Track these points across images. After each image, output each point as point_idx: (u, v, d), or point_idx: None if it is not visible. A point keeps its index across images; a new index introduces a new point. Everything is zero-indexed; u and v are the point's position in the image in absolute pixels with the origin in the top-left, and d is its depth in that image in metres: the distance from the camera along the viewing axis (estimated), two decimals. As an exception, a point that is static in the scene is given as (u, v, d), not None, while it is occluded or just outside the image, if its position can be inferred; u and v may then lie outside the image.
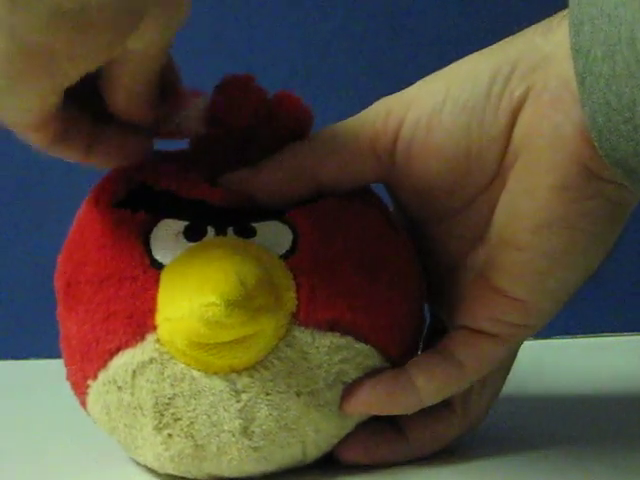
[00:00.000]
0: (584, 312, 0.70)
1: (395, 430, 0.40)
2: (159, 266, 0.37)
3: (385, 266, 0.39)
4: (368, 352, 0.38)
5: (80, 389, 0.39)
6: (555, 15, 0.37)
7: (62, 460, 0.43)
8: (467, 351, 0.39)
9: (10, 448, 0.46)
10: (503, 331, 0.39)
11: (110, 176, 0.40)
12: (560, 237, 0.37)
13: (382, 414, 0.39)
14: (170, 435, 0.37)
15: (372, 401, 0.38)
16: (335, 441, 0.39)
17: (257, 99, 0.39)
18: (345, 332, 0.37)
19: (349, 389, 0.38)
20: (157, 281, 0.37)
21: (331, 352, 0.37)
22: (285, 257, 0.37)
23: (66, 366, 0.40)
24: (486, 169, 0.38)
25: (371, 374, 0.39)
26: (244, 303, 0.34)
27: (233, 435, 0.36)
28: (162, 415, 0.36)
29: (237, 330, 0.34)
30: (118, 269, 0.37)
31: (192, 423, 0.36)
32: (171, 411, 0.36)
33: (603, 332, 0.71)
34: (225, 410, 0.36)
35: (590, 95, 0.35)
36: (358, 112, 0.40)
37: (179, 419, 0.36)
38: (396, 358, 0.39)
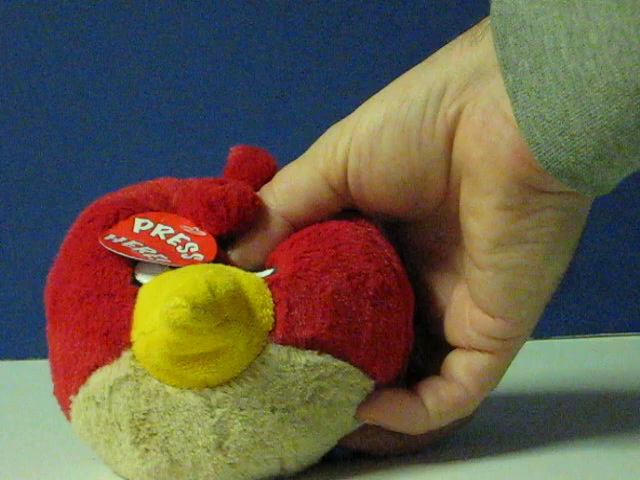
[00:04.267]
0: (584, 312, 0.70)
1: None
2: (138, 285, 0.37)
3: (367, 282, 0.38)
4: (348, 370, 0.38)
5: (64, 404, 0.39)
6: (480, 23, 0.37)
7: (62, 460, 0.43)
8: (467, 374, 0.40)
9: (10, 448, 0.46)
10: (495, 346, 0.39)
11: (102, 202, 0.41)
12: (517, 253, 0.37)
13: (391, 427, 0.39)
14: (147, 450, 0.37)
15: (385, 412, 0.39)
16: (316, 457, 0.39)
17: (225, 212, 0.39)
18: (324, 350, 0.37)
19: (368, 396, 0.39)
20: (134, 297, 0.37)
21: (307, 370, 0.37)
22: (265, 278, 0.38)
23: (52, 382, 0.40)
24: (435, 188, 0.39)
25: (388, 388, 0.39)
26: (212, 308, 0.33)
27: (208, 450, 0.36)
28: (138, 430, 0.37)
29: (205, 337, 0.34)
30: (97, 286, 0.38)
31: (167, 438, 0.36)
32: (147, 426, 0.36)
33: (603, 332, 0.71)
34: (199, 425, 0.36)
35: (524, 110, 0.34)
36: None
37: (155, 434, 0.36)
38: (379, 376, 0.39)
